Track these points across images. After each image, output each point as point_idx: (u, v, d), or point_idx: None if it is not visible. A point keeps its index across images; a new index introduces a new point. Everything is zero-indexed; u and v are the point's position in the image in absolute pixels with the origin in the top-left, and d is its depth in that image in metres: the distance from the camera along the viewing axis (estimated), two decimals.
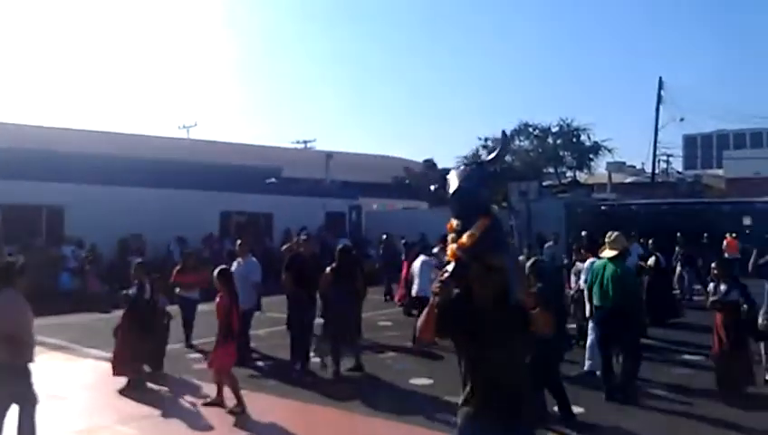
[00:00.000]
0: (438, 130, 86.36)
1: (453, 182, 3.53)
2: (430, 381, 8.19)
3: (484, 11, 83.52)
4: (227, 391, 7.04)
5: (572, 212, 25.86)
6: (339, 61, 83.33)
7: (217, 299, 7.15)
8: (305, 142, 45.89)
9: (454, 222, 3.40)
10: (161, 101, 74.93)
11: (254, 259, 9.74)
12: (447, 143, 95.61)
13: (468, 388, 3.32)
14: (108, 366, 8.20)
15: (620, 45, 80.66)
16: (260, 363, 9.31)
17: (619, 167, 46.16)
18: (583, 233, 16.76)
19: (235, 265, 9.25)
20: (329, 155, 31.53)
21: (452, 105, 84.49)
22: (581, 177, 40.38)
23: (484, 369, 3.25)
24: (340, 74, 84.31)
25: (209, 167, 24.81)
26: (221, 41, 75.70)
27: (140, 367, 8.13)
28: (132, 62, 75.23)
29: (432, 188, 3.69)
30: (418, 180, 35.09)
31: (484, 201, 3.47)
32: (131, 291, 8.35)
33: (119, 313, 8.71)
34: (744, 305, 7.42)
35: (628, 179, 46.01)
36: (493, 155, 3.74)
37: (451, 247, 3.33)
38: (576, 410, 6.81)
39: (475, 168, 3.60)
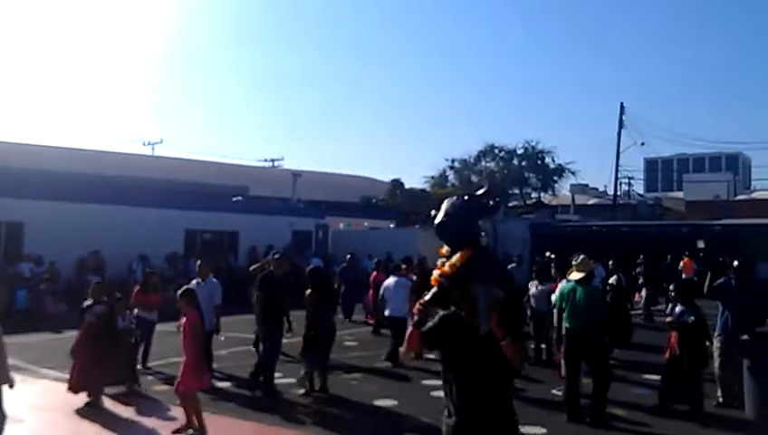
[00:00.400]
0: (406, 150, 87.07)
1: (441, 211, 3.71)
2: (395, 403, 8.18)
3: (456, 33, 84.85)
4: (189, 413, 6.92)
5: (537, 233, 26.26)
6: (307, 79, 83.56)
7: (183, 320, 6.97)
8: (272, 161, 45.82)
9: (445, 248, 3.61)
10: (125, 117, 74.00)
11: (214, 280, 9.59)
12: (415, 163, 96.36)
13: (451, 400, 3.48)
14: (66, 387, 8.01)
15: (583, 71, 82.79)
16: (222, 384, 9.17)
17: (582, 189, 47.07)
18: (548, 254, 17.01)
19: (193, 286, 9.08)
20: (296, 174, 31.49)
21: (420, 125, 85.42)
22: (546, 198, 41.09)
23: (467, 386, 3.41)
24: (308, 93, 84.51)
25: (174, 184, 24.54)
26: (186, 57, 75.37)
27: (100, 387, 7.96)
28: (96, 78, 74.26)
29: (431, 213, 3.82)
30: (386, 200, 35.32)
31: (470, 233, 3.62)
32: (90, 309, 8.18)
33: (74, 333, 8.54)
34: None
35: (591, 201, 46.89)
36: (482, 190, 3.86)
37: (435, 273, 3.52)
38: (539, 430, 6.88)
39: (464, 200, 3.73)
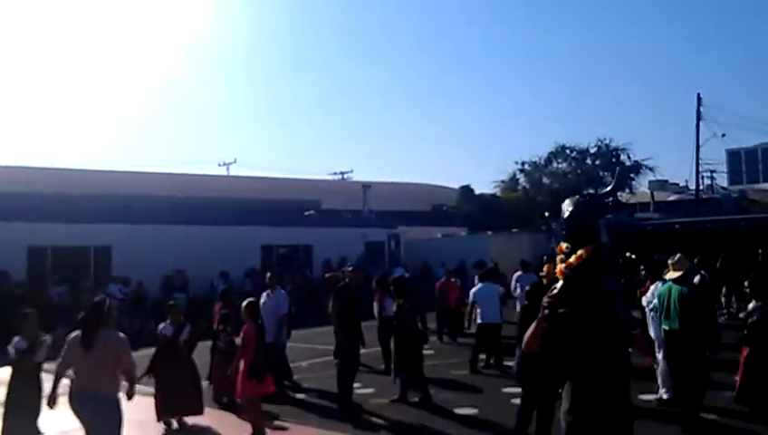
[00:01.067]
0: (474, 155, 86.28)
1: (567, 208, 3.84)
2: (476, 411, 8.08)
3: (517, 34, 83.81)
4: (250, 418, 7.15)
5: (615, 233, 25.38)
6: (372, 91, 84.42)
7: (243, 330, 7.36)
8: (342, 174, 46.43)
9: (564, 245, 3.70)
10: (200, 139, 76.92)
11: (282, 291, 9.74)
12: (484, 169, 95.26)
13: (572, 398, 3.48)
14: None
15: (656, 63, 79.84)
16: (303, 395, 9.33)
17: (661, 185, 45.27)
18: (628, 254, 16.42)
19: (263, 298, 9.30)
20: (366, 185, 31.79)
21: (487, 130, 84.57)
22: (623, 197, 39.76)
23: (589, 382, 3.43)
24: (374, 104, 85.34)
25: (249, 202, 25.30)
26: (250, 77, 77.68)
27: (173, 414, 8.01)
28: (173, 105, 77.60)
29: (546, 214, 3.97)
30: (457, 207, 35.14)
31: (593, 230, 3.74)
32: (165, 331, 8.22)
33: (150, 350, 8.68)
34: None
35: (672, 197, 45.03)
36: (608, 189, 4.05)
37: (560, 266, 3.62)
38: None
39: (588, 198, 3.90)
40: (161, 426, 7.88)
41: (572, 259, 3.53)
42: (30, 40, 69.92)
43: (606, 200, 3.99)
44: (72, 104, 69.93)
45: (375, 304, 11.24)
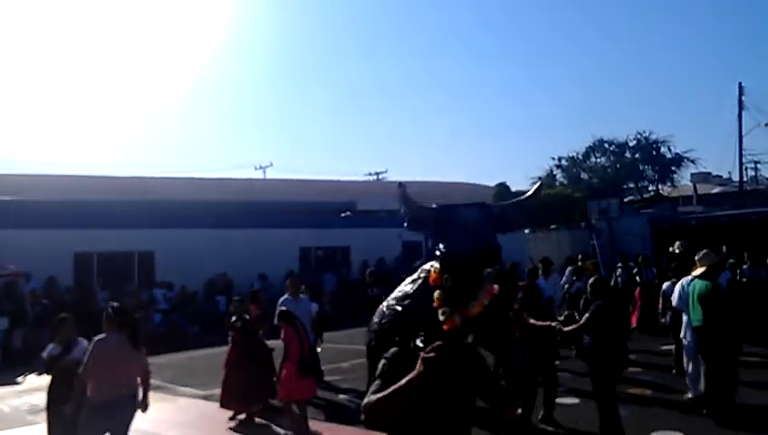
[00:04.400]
0: (510, 153, 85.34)
1: (456, 226, 3.28)
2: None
3: (552, 24, 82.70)
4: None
5: (658, 228, 24.86)
6: (406, 90, 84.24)
7: (282, 334, 7.46)
8: (377, 174, 46.52)
9: (442, 275, 2.98)
10: (236, 145, 77.90)
11: (304, 298, 9.53)
12: (520, 166, 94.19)
13: None
14: (204, 404, 8.48)
15: (695, 52, 77.79)
16: (344, 396, 9.38)
17: (704, 177, 44.18)
18: (671, 249, 16.01)
19: (289, 304, 8.82)
20: (401, 185, 31.78)
21: (523, 127, 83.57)
22: (665, 190, 38.91)
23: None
24: (408, 103, 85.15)
25: (286, 205, 25.56)
26: (285, 82, 78.29)
27: (248, 403, 8.20)
28: (205, 111, 78.76)
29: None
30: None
31: (496, 255, 3.21)
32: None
33: (209, 351, 8.94)
34: None
35: (715, 190, 43.90)
36: (523, 197, 3.41)
37: (444, 312, 2.86)
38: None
39: (479, 210, 3.30)
40: (212, 427, 8.02)
41: (476, 307, 2.80)
42: (66, 49, 71.84)
43: (509, 212, 3.24)
44: (107, 111, 71.60)
45: None
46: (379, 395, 2.62)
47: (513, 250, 22.52)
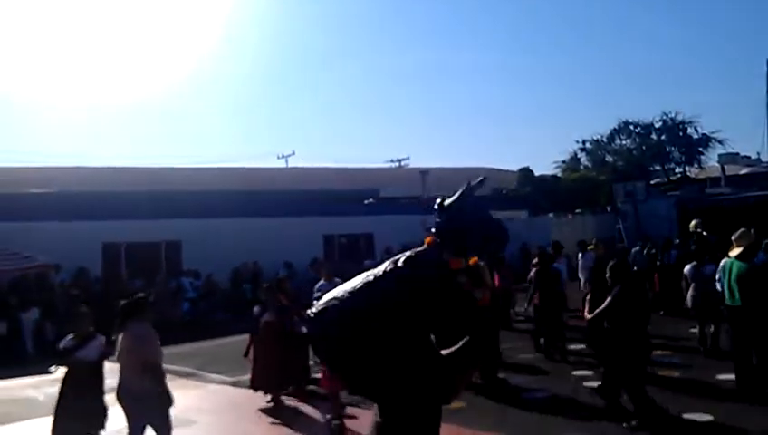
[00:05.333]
0: (533, 137, 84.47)
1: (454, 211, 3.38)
2: (546, 395, 8.01)
3: (572, 5, 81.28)
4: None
5: (685, 210, 24.50)
6: (425, 75, 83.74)
7: None
8: (399, 161, 46.42)
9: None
10: (258, 134, 78.19)
11: (338, 281, 9.61)
12: (544, 150, 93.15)
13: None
14: (232, 390, 8.60)
15: (721, 30, 75.93)
16: None
17: (732, 158, 43.33)
18: (700, 231, 15.80)
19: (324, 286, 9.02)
20: (423, 171, 31.70)
21: (545, 110, 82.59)
22: (692, 172, 38.27)
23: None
24: (427, 89, 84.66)
25: (310, 193, 25.69)
26: (303, 71, 78.21)
27: (281, 387, 8.36)
28: (225, 102, 79.18)
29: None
30: (517, 190, 34.63)
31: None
32: (261, 314, 8.53)
33: (237, 338, 9.05)
34: None
35: (744, 171, 43.03)
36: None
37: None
38: (705, 417, 6.50)
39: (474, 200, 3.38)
40: (242, 412, 8.14)
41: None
42: (92, 41, 72.63)
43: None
44: (129, 104, 72.32)
45: None
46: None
47: (537, 235, 22.47)
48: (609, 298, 6.80)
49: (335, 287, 3.08)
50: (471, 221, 3.17)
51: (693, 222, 14.06)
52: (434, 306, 2.89)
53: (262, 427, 7.68)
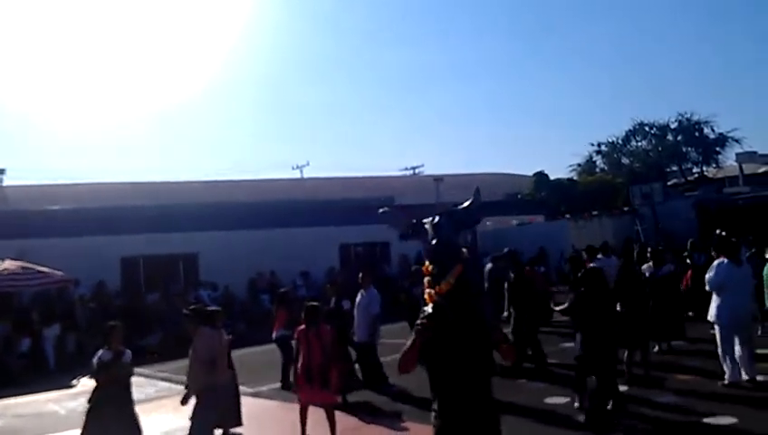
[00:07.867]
0: (548, 140, 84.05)
1: (428, 228, 3.80)
2: (566, 400, 7.93)
3: (586, 7, 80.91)
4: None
5: (703, 210, 24.20)
6: (438, 82, 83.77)
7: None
8: (413, 168, 46.43)
9: (430, 266, 3.64)
10: (271, 146, 78.55)
11: (374, 290, 9.82)
12: (559, 153, 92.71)
13: (439, 404, 3.57)
14: (252, 401, 8.58)
15: (735, 28, 75.13)
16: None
17: (749, 157, 42.80)
18: (718, 231, 15.59)
19: (358, 297, 9.50)
20: (438, 179, 31.68)
21: (558, 114, 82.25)
22: (709, 172, 37.86)
23: (454, 390, 3.53)
24: (441, 96, 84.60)
25: (325, 203, 25.75)
26: (315, 80, 78.54)
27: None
28: (244, 113, 79.77)
29: (407, 231, 3.86)
30: (532, 194, 34.48)
31: (457, 249, 3.71)
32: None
33: (256, 349, 9.02)
34: None
35: (762, 169, 42.51)
36: (466, 204, 3.93)
37: (429, 292, 3.60)
38: (729, 420, 6.40)
39: (445, 218, 3.81)
40: (271, 421, 8.13)
41: (443, 286, 3.51)
42: (99, 63, 73.59)
43: (463, 216, 3.87)
44: (143, 120, 73.13)
45: None
46: (403, 350, 3.52)
47: (556, 238, 22.33)
48: (567, 301, 7.17)
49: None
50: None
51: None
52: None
53: None
